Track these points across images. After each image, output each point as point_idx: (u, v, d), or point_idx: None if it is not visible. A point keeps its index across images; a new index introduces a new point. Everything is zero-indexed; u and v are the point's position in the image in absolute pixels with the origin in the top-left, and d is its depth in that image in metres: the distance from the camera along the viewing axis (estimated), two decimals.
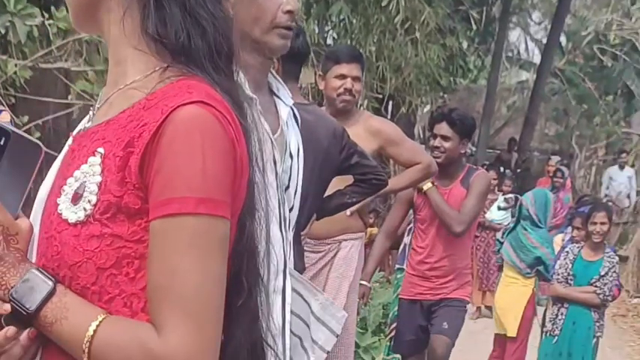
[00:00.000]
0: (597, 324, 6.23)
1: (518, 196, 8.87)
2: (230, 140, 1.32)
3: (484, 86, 21.80)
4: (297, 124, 2.71)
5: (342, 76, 4.68)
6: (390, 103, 13.67)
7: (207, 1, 1.41)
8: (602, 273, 6.16)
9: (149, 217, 1.30)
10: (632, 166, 16.00)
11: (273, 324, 1.64)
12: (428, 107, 16.79)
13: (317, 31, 12.45)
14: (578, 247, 6.37)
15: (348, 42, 11.02)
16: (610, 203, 15.47)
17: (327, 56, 4.91)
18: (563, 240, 7.76)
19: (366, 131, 4.74)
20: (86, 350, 1.28)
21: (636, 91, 22.07)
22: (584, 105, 22.39)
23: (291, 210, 2.57)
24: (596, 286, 6.16)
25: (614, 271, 6.19)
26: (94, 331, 1.29)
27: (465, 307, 5.49)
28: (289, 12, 2.42)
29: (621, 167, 15.91)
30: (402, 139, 4.93)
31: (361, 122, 4.79)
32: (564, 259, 6.39)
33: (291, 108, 2.67)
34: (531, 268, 6.98)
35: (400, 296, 5.69)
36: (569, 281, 6.28)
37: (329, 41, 14.07)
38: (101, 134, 1.38)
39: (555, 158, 14.69)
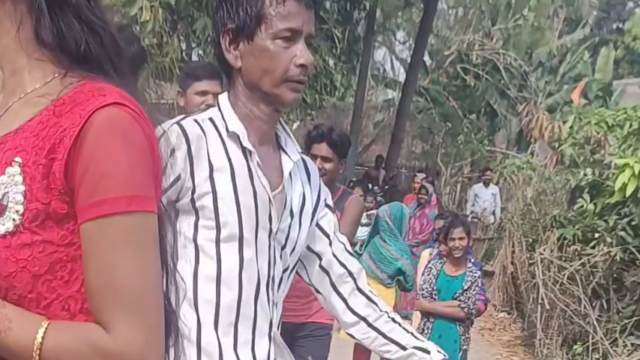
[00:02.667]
0: (463, 337, 6.28)
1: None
2: (147, 137, 1.38)
3: (351, 104, 21.82)
4: (309, 176, 2.61)
5: (203, 93, 4.56)
6: None
7: (97, 10, 1.44)
8: (465, 287, 6.24)
9: (79, 219, 1.34)
10: (497, 183, 16.19)
11: None
12: (297, 124, 16.57)
13: (183, 47, 12.13)
14: (440, 263, 6.45)
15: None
16: (476, 220, 15.76)
17: (187, 73, 4.78)
18: (430, 254, 7.73)
19: None
20: (37, 358, 1.31)
21: (499, 110, 22.49)
22: (449, 123, 22.68)
23: (285, 270, 2.48)
24: (460, 300, 6.23)
25: (477, 285, 6.27)
26: (42, 338, 1.31)
27: (330, 332, 5.23)
28: (302, 66, 2.32)
29: (486, 184, 16.08)
30: None
31: None
32: (428, 274, 6.47)
33: (303, 159, 2.57)
34: (392, 279, 7.09)
35: None
36: (433, 296, 6.34)
37: (194, 57, 13.69)
38: (12, 144, 1.39)
39: (420, 175, 14.69)
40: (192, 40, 12.46)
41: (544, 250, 9.16)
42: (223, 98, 2.44)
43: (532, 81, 22.59)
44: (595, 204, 8.82)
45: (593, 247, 8.59)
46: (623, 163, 8.11)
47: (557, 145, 9.90)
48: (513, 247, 11.23)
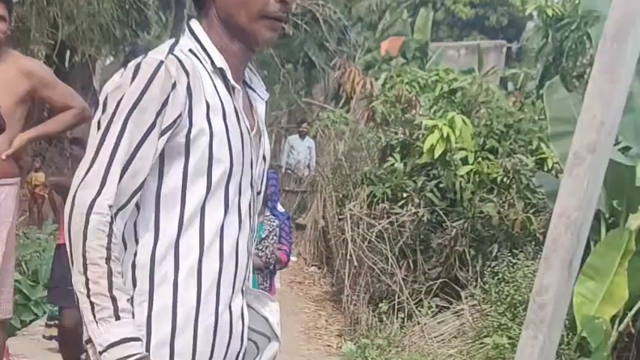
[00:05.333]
0: (262, 286, 6.28)
1: None
2: None
3: None
4: None
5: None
6: (68, 51, 12.77)
7: None
8: (263, 236, 6.24)
9: None
10: (314, 137, 16.17)
11: None
12: (110, 59, 15.86)
13: None
14: None
15: None
16: (290, 172, 15.70)
17: None
18: None
19: (18, 72, 4.59)
20: None
21: (317, 62, 22.42)
22: (266, 71, 22.42)
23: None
24: (257, 249, 6.18)
25: (275, 235, 6.29)
26: None
27: None
28: (282, 1, 2.19)
29: (302, 137, 16.05)
30: (55, 81, 4.85)
31: (11, 62, 4.61)
32: None
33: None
34: None
35: (57, 242, 5.45)
36: None
37: None
38: None
39: None
40: None
41: (354, 206, 9.11)
42: (199, 29, 2.25)
43: (351, 35, 22.59)
44: (405, 164, 8.83)
45: (402, 207, 8.60)
46: (432, 124, 8.15)
47: (368, 101, 9.83)
48: (324, 201, 11.18)
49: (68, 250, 2.05)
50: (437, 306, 7.93)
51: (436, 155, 8.06)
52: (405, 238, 8.51)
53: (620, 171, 6.35)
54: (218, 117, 2.16)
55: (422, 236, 8.54)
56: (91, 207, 2.02)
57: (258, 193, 2.38)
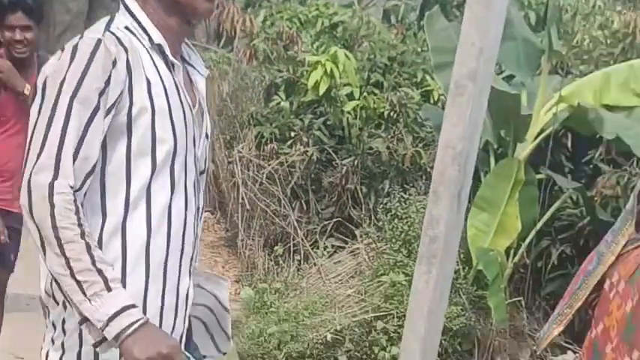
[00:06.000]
0: None
1: None
2: None
3: None
4: None
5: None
6: None
7: None
8: None
9: None
10: None
11: None
12: None
13: None
14: None
15: None
16: None
17: None
18: None
19: None
20: None
21: None
22: None
23: None
24: None
25: None
26: None
27: None
28: None
29: None
30: None
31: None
32: None
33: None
34: None
35: None
36: None
37: None
38: None
39: None
40: None
41: (242, 148, 8.92)
42: (134, 5, 2.21)
43: None
44: (291, 102, 8.66)
45: (291, 147, 8.46)
46: (315, 60, 8.00)
47: (249, 40, 9.59)
48: (212, 144, 10.94)
49: (34, 235, 2.02)
50: (332, 246, 7.86)
51: (321, 92, 7.93)
52: (297, 179, 8.38)
53: (505, 100, 6.31)
54: (159, 94, 2.13)
55: (313, 176, 8.43)
56: (51, 188, 1.99)
57: (202, 172, 2.36)
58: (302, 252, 7.94)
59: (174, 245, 2.20)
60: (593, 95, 6.72)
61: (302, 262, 7.82)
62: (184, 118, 2.18)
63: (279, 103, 8.72)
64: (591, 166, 7.64)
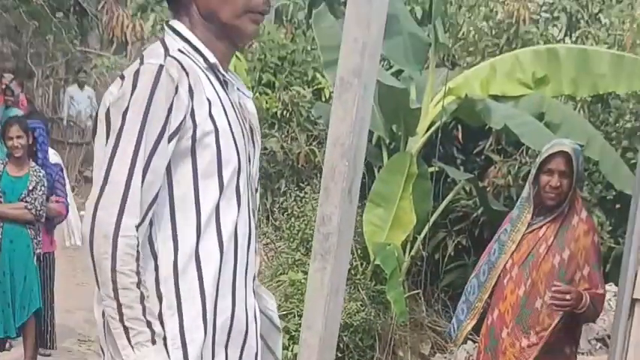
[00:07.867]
0: (35, 240, 6.23)
1: None
2: None
3: None
4: None
5: None
6: None
7: None
8: (30, 188, 6.15)
9: None
10: (93, 86, 15.70)
11: None
12: None
13: None
14: (2, 164, 6.21)
15: None
16: (72, 123, 15.24)
17: None
18: None
19: None
20: None
21: (89, 9, 21.62)
22: (36, 22, 21.43)
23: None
24: (26, 202, 6.14)
25: (43, 185, 6.20)
26: None
27: None
28: None
29: (81, 86, 15.80)
30: None
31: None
32: None
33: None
34: None
35: None
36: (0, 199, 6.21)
37: None
38: None
39: (8, 76, 13.82)
40: None
41: None
42: (183, 28, 2.17)
43: None
44: None
45: None
46: None
47: (141, 45, 9.47)
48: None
49: (91, 268, 1.99)
50: None
51: None
52: None
53: (395, 95, 6.37)
54: (219, 114, 2.10)
55: None
56: (117, 229, 1.96)
57: (256, 190, 2.31)
58: None
59: (241, 262, 2.17)
60: (480, 86, 6.85)
61: None
62: (243, 136, 2.16)
63: None
64: (482, 156, 7.78)
